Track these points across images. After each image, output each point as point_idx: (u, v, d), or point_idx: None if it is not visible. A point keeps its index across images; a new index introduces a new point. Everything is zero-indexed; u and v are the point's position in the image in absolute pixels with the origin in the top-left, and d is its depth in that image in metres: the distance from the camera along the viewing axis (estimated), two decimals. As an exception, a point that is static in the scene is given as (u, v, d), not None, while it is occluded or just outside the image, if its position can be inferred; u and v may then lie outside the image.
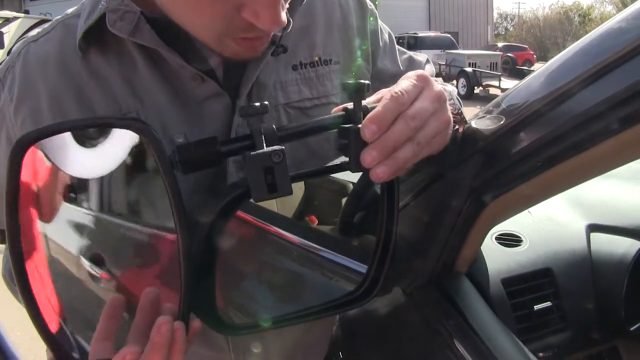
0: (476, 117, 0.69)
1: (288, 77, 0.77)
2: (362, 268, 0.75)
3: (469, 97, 13.90)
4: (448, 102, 0.60)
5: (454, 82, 15.20)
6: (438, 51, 17.62)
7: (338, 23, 0.83)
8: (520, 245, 0.90)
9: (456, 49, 18.32)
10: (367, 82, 0.54)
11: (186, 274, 0.56)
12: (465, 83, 14.35)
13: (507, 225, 0.95)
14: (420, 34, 19.40)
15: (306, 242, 0.78)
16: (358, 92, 0.55)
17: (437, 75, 17.13)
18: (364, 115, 0.54)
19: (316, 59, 0.80)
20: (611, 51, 0.49)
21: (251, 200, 0.55)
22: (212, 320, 0.65)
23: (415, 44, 18.61)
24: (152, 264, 0.64)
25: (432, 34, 20.03)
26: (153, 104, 0.69)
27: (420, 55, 1.01)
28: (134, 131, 0.53)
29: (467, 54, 16.30)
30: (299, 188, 0.78)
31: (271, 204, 0.78)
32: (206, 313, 0.64)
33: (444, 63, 16.60)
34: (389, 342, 0.84)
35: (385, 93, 0.55)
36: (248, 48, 0.65)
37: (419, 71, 0.57)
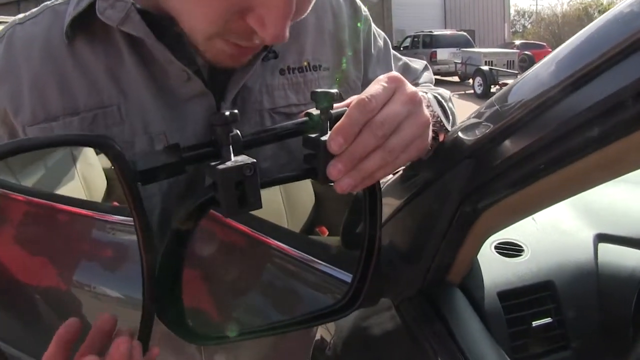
0: (462, 125, 0.64)
1: (275, 82, 0.74)
2: (349, 278, 0.70)
3: (485, 95, 13.74)
4: (425, 106, 0.56)
5: (470, 80, 15.08)
6: (454, 49, 17.52)
7: (329, 28, 0.79)
8: (521, 255, 0.84)
9: (472, 47, 18.15)
10: (335, 90, 0.52)
11: (149, 284, 0.53)
12: (481, 82, 14.16)
13: (508, 233, 0.89)
14: (435, 32, 19.19)
15: (290, 248, 0.73)
16: (326, 102, 0.52)
17: (453, 74, 17.06)
18: (332, 124, 0.52)
19: (305, 64, 0.77)
20: (617, 40, 0.43)
21: None
22: (181, 329, 0.61)
23: (430, 42, 18.51)
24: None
25: (447, 32, 19.76)
26: (136, 99, 0.67)
27: (417, 62, 0.97)
28: (97, 148, 0.50)
29: (483, 52, 16.12)
30: (309, 199, 0.74)
31: (281, 216, 0.74)
32: (174, 322, 0.60)
33: (459, 61, 16.49)
34: (374, 356, 0.79)
35: (354, 99, 0.52)
36: (232, 56, 0.62)
37: (392, 73, 0.54)
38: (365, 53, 0.84)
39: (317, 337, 1.17)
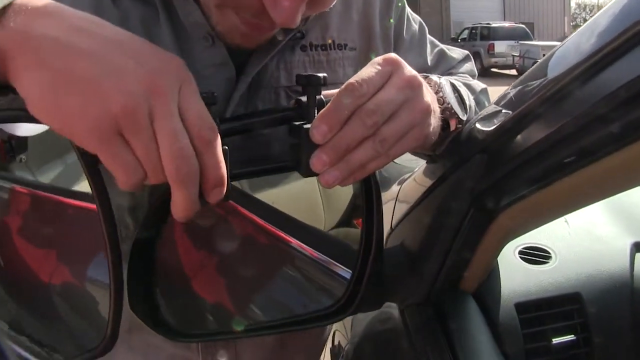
0: (481, 115, 0.57)
1: (294, 58, 0.70)
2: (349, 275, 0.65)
3: (542, 90, 13.32)
4: (429, 91, 0.50)
5: (527, 74, 14.64)
6: (512, 42, 17.04)
7: (358, 7, 0.74)
8: (547, 262, 0.76)
9: (531, 40, 17.59)
10: (323, 74, 0.48)
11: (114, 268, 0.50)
12: (538, 76, 13.71)
13: (536, 237, 0.81)
14: (493, 25, 18.69)
15: (292, 238, 0.68)
16: (312, 86, 0.48)
17: (510, 67, 16.56)
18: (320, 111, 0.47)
19: (329, 41, 0.72)
20: None
21: None
22: (157, 323, 0.57)
23: (488, 34, 18.06)
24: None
25: (506, 24, 19.21)
26: None
27: (456, 51, 0.89)
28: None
29: (541, 45, 15.59)
30: (348, 190, 0.70)
31: (317, 207, 0.69)
32: (148, 314, 0.57)
33: (517, 54, 16.01)
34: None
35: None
36: (244, 35, 0.60)
37: (389, 55, 0.49)
38: (396, 36, 0.79)
39: (336, 342, 1.12)
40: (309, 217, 0.71)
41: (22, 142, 0.60)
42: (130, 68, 0.39)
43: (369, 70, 0.47)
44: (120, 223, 0.62)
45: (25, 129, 0.57)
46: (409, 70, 0.49)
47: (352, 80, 0.46)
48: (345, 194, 0.71)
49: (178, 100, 0.40)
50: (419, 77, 0.49)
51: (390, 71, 0.47)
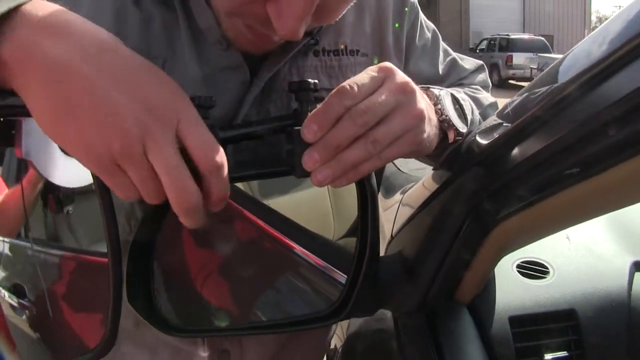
0: (482, 127, 0.57)
1: (307, 63, 0.71)
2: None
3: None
4: (424, 98, 0.50)
5: (545, 87, 14.56)
6: (530, 54, 16.91)
7: (372, 12, 0.75)
8: (545, 277, 0.75)
9: (550, 52, 17.44)
10: (313, 80, 0.49)
11: (115, 273, 0.50)
12: (556, 89, 13.60)
13: (535, 252, 0.81)
14: (512, 36, 18.55)
15: (288, 241, 0.68)
16: (303, 91, 0.49)
17: (528, 79, 16.45)
18: None
19: (342, 47, 0.73)
20: None
21: None
22: (152, 316, 0.58)
23: (507, 45, 17.95)
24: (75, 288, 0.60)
25: (525, 36, 19.07)
26: (181, 58, 0.65)
27: (470, 62, 0.89)
28: None
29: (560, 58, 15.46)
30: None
31: (327, 216, 0.70)
32: (144, 308, 0.57)
33: (535, 67, 15.89)
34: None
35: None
36: (251, 42, 0.61)
37: (384, 63, 0.50)
38: (408, 43, 0.79)
39: (332, 345, 1.12)
40: (318, 226, 0.71)
41: (69, 196, 0.63)
42: (125, 103, 0.39)
43: (362, 75, 0.48)
44: (131, 215, 0.63)
45: (67, 180, 0.60)
46: (402, 76, 0.50)
47: (344, 83, 0.47)
48: (354, 203, 0.72)
49: (178, 131, 0.41)
50: (412, 83, 0.50)
51: (384, 77, 0.48)
